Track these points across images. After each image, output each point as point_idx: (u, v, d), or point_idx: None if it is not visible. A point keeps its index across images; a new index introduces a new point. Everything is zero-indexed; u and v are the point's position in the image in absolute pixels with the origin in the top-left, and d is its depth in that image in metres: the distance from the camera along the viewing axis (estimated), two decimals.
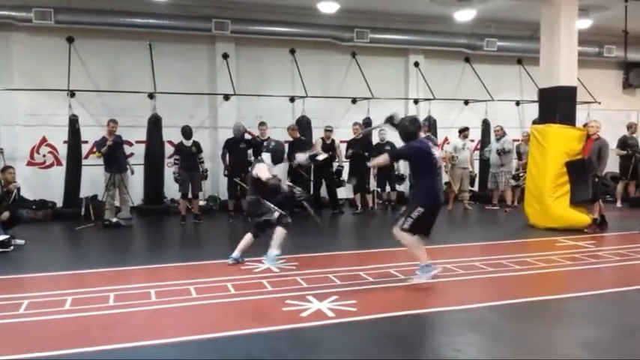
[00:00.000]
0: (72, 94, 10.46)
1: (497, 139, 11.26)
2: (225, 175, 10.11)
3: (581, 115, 10.90)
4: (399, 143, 6.04)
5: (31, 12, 10.00)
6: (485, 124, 12.59)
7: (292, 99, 11.91)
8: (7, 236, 7.19)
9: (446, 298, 5.08)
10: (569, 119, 8.96)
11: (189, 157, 9.52)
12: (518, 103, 13.39)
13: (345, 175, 10.83)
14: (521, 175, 10.84)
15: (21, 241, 7.41)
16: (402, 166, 11.23)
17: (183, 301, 4.85)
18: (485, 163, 11.98)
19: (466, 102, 13.07)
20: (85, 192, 10.26)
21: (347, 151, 10.74)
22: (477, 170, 12.06)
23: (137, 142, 10.75)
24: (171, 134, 10.38)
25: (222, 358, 3.68)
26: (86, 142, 10.43)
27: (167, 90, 10.71)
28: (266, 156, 6.24)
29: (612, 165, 10.99)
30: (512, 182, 11.12)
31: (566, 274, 6.11)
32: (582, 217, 8.43)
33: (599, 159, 8.47)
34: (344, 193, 11.43)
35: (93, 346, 3.81)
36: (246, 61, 11.75)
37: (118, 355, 3.72)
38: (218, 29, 11.00)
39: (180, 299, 4.90)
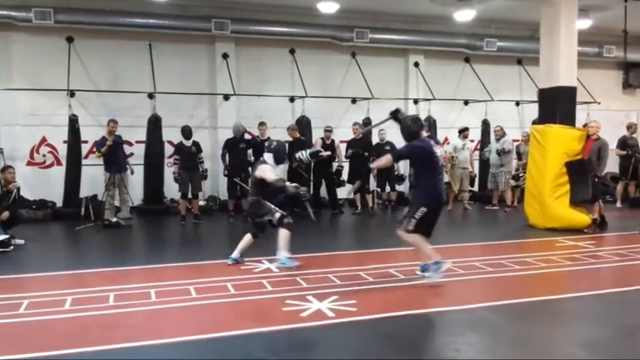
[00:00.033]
0: (72, 94, 10.46)
1: (497, 140, 11.26)
2: (225, 175, 10.10)
3: (581, 115, 10.91)
4: (398, 143, 6.03)
5: (31, 12, 10.00)
6: (485, 125, 12.60)
7: (292, 99, 11.91)
8: (7, 236, 7.19)
9: (446, 298, 5.07)
10: (569, 119, 8.96)
11: (189, 157, 9.52)
12: (518, 104, 13.40)
13: (345, 175, 10.83)
14: (521, 175, 10.84)
15: (21, 241, 7.41)
16: (402, 167, 11.24)
17: (183, 301, 4.84)
18: (485, 164, 11.99)
19: (466, 102, 13.07)
20: (84, 192, 10.26)
21: (347, 151, 10.75)
22: (476, 170, 12.06)
23: (137, 142, 10.75)
24: (171, 134, 10.38)
25: (222, 358, 3.68)
26: (86, 142, 10.43)
27: (167, 90, 10.71)
28: (268, 156, 6.21)
29: (612, 165, 10.99)
30: (512, 182, 11.13)
31: (566, 274, 6.11)
32: (582, 218, 8.43)
33: (598, 159, 8.47)
34: (344, 193, 11.43)
35: (92, 346, 3.81)
36: (246, 61, 11.75)
37: (118, 355, 3.72)
38: (218, 29, 11.00)
39: (180, 299, 4.90)
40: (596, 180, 8.55)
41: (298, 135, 10.50)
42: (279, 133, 9.96)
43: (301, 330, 4.14)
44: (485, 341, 4.08)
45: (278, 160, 6.26)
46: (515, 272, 5.93)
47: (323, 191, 11.00)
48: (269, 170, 6.03)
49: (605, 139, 8.71)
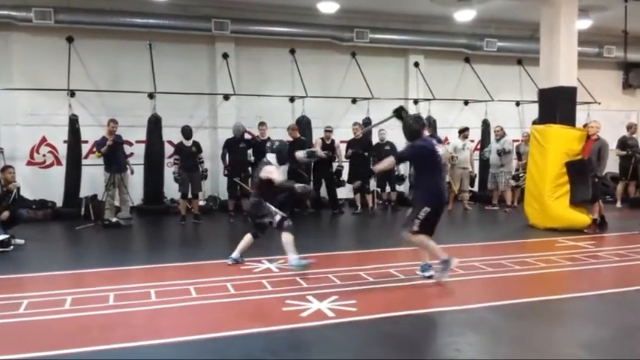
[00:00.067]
0: (72, 93, 10.46)
1: (497, 140, 11.26)
2: (225, 175, 10.10)
3: (581, 115, 10.89)
4: (398, 143, 6.03)
5: (31, 12, 10.00)
6: (485, 125, 12.59)
7: (292, 99, 11.90)
8: (7, 236, 7.19)
9: (446, 298, 5.08)
10: (569, 119, 8.96)
11: (189, 157, 9.52)
12: (518, 104, 13.39)
13: (345, 175, 10.83)
14: (521, 175, 10.84)
15: (21, 241, 7.41)
16: (403, 167, 11.23)
17: (183, 301, 4.84)
18: (485, 164, 11.98)
19: (466, 102, 13.07)
20: (84, 192, 10.25)
21: (347, 151, 10.75)
22: (476, 170, 12.05)
23: (137, 142, 10.74)
24: (171, 134, 10.38)
25: (222, 358, 3.68)
26: (86, 141, 10.43)
27: (167, 90, 10.71)
28: (271, 157, 6.16)
29: (612, 165, 10.99)
30: (512, 182, 11.13)
31: (566, 274, 6.10)
32: (582, 218, 8.43)
33: (598, 159, 8.47)
34: (344, 193, 11.43)
35: (92, 346, 3.80)
36: (246, 61, 11.75)
37: (118, 355, 3.72)
38: (218, 29, 11.00)
39: (179, 299, 4.90)
40: (596, 180, 8.55)
41: (298, 135, 10.50)
42: (279, 133, 9.94)
43: (301, 330, 4.14)
44: (485, 341, 4.08)
45: (281, 161, 6.23)
46: (515, 272, 5.93)
47: (323, 191, 11.00)
48: (275, 171, 6.00)
49: (605, 139, 8.71)
